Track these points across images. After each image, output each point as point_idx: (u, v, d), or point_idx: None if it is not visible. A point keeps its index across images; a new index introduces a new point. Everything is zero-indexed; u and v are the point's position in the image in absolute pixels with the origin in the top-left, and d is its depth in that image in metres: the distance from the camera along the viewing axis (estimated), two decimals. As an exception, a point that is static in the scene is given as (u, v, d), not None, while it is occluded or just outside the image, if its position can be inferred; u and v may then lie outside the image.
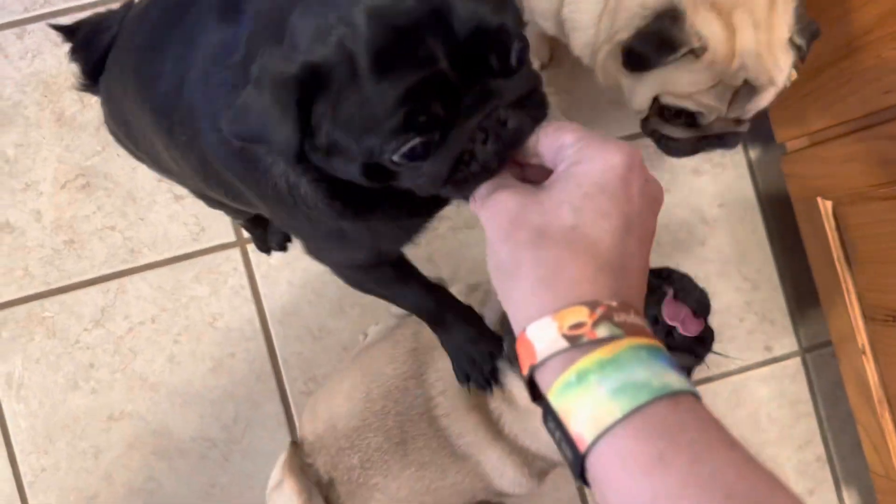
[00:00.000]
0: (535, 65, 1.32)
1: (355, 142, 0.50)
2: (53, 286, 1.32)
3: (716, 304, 1.29)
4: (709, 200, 1.40)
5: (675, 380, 0.40)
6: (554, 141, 0.49)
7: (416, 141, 0.49)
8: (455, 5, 0.48)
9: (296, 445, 1.05)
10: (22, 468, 1.31)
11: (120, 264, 1.33)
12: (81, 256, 1.33)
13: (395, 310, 1.16)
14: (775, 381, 1.41)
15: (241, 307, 1.34)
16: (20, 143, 1.33)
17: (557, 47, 1.34)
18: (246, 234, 1.33)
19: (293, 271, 1.34)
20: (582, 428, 0.40)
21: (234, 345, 1.34)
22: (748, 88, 0.85)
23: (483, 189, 0.50)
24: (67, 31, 0.92)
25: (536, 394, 0.44)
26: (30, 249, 1.32)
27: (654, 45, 0.82)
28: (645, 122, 0.97)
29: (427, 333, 0.93)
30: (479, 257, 1.37)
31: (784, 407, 1.42)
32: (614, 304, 0.42)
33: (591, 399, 0.40)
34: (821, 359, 1.41)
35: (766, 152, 1.39)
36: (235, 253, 1.34)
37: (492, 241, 0.47)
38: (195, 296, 1.34)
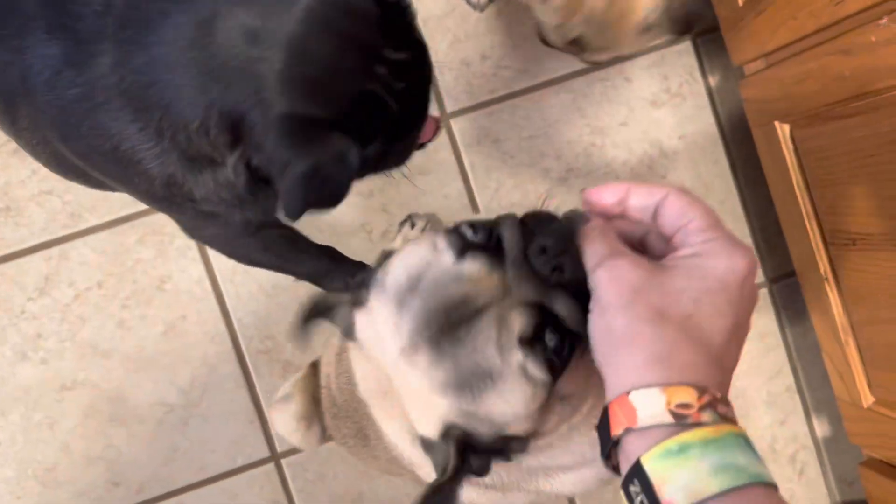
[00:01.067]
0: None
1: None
2: (-8, 255, 1.28)
3: None
4: (668, 133, 1.36)
5: (766, 473, 0.44)
6: (680, 214, 0.51)
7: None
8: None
9: (315, 367, 0.96)
10: (-24, 443, 1.28)
11: (61, 230, 1.28)
12: (19, 224, 1.28)
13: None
14: (742, 315, 1.39)
15: (188, 268, 1.30)
16: (-57, 109, 1.26)
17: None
18: (189, 192, 1.28)
19: (241, 228, 1.30)
20: (676, 496, 0.42)
21: (185, 307, 1.30)
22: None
23: (600, 248, 0.52)
24: None
25: (609, 452, 0.48)
26: (-36, 219, 1.27)
27: None
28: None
29: None
30: (435, 204, 1.33)
31: (753, 340, 1.39)
32: (718, 395, 0.46)
33: (690, 471, 0.43)
34: (787, 289, 1.38)
35: (726, 80, 1.34)
36: (179, 212, 1.29)
37: (608, 306, 0.49)
38: (141, 258, 1.29)
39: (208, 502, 1.31)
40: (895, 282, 0.98)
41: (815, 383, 1.39)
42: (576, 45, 1.02)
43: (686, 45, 1.35)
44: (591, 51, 1.02)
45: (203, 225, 0.80)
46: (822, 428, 1.42)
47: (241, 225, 0.78)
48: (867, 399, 1.14)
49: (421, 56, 0.72)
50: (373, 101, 0.65)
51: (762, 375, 1.40)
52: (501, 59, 1.32)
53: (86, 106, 0.65)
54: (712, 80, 1.36)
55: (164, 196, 0.72)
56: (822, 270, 1.14)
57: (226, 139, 0.64)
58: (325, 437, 0.94)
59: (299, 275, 0.94)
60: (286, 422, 0.93)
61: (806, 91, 1.01)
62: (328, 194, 0.64)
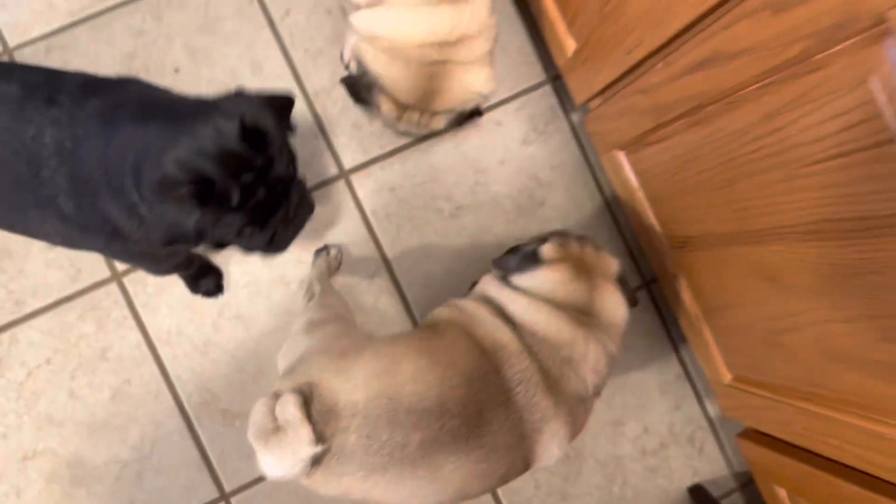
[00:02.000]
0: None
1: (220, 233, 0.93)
2: (-53, 348, 1.41)
3: None
4: (542, 165, 1.54)
5: None
6: None
7: (250, 228, 0.94)
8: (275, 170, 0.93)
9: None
10: (-52, 520, 1.40)
11: (8, 315, 1.42)
12: (-31, 316, 1.41)
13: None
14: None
15: (127, 336, 1.44)
16: None
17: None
18: (120, 268, 1.43)
19: (170, 295, 1.45)
20: None
21: (128, 371, 1.44)
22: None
23: None
24: None
25: None
26: (-82, 318, 1.41)
27: (351, 93, 1.24)
28: None
29: (480, 334, 1.06)
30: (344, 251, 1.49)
31: (640, 336, 1.57)
32: None
33: None
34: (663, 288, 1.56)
35: (583, 116, 1.53)
36: (113, 287, 1.44)
37: None
38: (83, 333, 1.43)
39: (168, 546, 1.44)
40: (717, 275, 1.16)
41: (701, 369, 1.57)
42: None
43: (546, 88, 1.55)
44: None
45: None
46: (713, 408, 1.59)
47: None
48: (727, 376, 1.32)
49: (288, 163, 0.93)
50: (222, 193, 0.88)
51: (653, 367, 1.57)
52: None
53: None
54: (574, 117, 1.55)
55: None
56: (671, 270, 1.32)
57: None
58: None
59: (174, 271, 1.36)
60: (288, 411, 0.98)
61: (626, 124, 1.20)
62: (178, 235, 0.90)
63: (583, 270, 1.09)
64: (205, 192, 0.87)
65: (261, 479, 1.46)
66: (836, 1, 0.68)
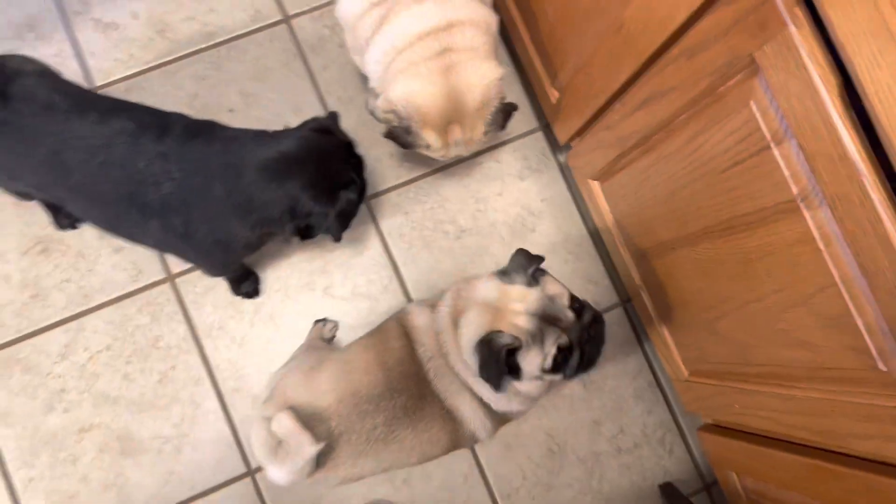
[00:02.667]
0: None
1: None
2: (25, 332, 1.67)
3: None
4: (533, 198, 1.81)
5: None
6: None
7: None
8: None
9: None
10: (14, 480, 1.63)
11: (77, 308, 1.68)
12: (45, 306, 1.68)
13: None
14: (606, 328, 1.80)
15: (176, 329, 1.69)
16: (-12, 225, 1.69)
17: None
18: (174, 270, 1.70)
19: (215, 295, 1.71)
20: None
21: (175, 359, 1.69)
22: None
23: None
24: None
25: None
26: (3, 306, 1.67)
27: (398, 143, 1.40)
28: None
29: (406, 321, 1.31)
30: (363, 263, 1.75)
31: (615, 346, 1.80)
32: None
33: None
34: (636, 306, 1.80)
35: (567, 155, 1.81)
36: (167, 287, 1.70)
37: None
38: (139, 324, 1.69)
39: (199, 514, 1.65)
40: (669, 278, 1.41)
41: (670, 377, 1.79)
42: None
43: (539, 134, 1.83)
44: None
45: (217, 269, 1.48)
46: (682, 415, 1.80)
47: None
48: (685, 372, 1.54)
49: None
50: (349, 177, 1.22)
51: (627, 375, 1.80)
52: (403, 155, 1.79)
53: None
54: (561, 158, 1.83)
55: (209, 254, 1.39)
56: (636, 282, 1.57)
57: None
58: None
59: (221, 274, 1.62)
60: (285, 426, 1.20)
61: (597, 157, 1.48)
62: (350, 217, 1.24)
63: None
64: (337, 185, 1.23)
65: (282, 457, 1.68)
66: (724, 46, 0.96)
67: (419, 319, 1.29)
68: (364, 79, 1.78)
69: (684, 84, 1.07)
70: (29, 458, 1.63)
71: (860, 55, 0.76)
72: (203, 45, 1.78)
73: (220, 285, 1.71)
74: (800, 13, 0.82)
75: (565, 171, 1.83)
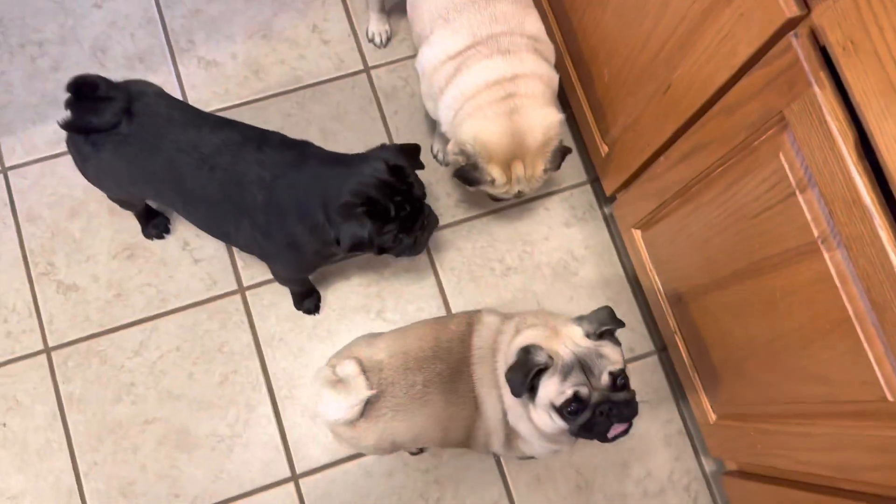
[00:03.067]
0: (447, 158, 1.92)
1: (381, 239, 1.35)
2: (106, 328, 1.83)
3: None
4: (578, 244, 1.95)
5: None
6: None
7: (402, 235, 1.39)
8: (414, 191, 1.36)
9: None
10: (79, 463, 1.77)
11: (154, 310, 1.85)
12: (126, 305, 1.85)
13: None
14: (639, 373, 1.89)
15: (241, 336, 1.84)
16: (85, 228, 1.89)
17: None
18: (245, 283, 1.86)
19: (279, 309, 1.86)
20: None
21: (236, 364, 1.83)
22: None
23: None
24: (76, 86, 1.33)
25: None
26: (89, 302, 1.85)
27: (465, 180, 1.53)
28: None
29: (476, 316, 1.44)
30: (416, 291, 1.89)
31: (648, 393, 1.89)
32: None
33: None
34: (671, 355, 1.89)
35: (613, 207, 1.95)
36: (237, 297, 1.86)
37: None
38: (208, 330, 1.85)
39: (243, 511, 1.76)
40: (702, 322, 1.51)
41: (701, 430, 1.86)
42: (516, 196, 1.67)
43: (587, 187, 1.98)
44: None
45: (292, 275, 1.66)
46: (709, 464, 1.87)
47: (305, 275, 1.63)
48: (712, 417, 1.63)
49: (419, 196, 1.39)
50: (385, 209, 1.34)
51: (658, 421, 1.88)
52: (460, 196, 1.95)
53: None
54: (606, 210, 1.97)
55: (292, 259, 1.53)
56: (672, 326, 1.67)
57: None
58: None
59: (297, 287, 1.79)
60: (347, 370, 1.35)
61: (640, 207, 1.61)
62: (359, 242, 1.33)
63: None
64: (372, 210, 1.32)
65: (326, 466, 1.79)
66: (758, 103, 1.09)
67: (489, 318, 1.41)
68: (429, 124, 1.96)
69: (722, 138, 1.21)
70: (95, 443, 1.78)
71: (871, 110, 0.89)
72: (291, 87, 1.99)
73: (285, 300, 1.86)
74: (823, 75, 0.96)
75: (609, 222, 1.96)
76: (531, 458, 1.55)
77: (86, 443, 1.78)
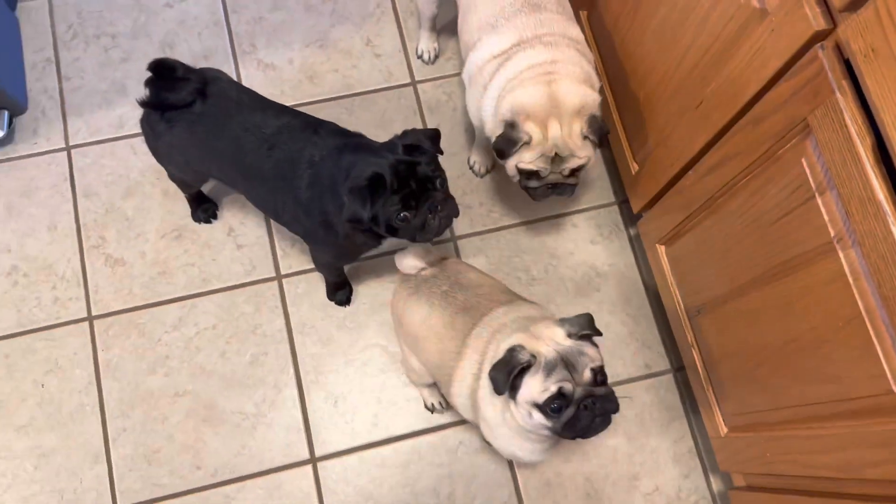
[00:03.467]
0: (482, 169, 2.02)
1: (385, 215, 1.36)
2: (148, 302, 1.93)
3: (609, 334, 1.91)
4: (602, 261, 2.03)
5: None
6: None
7: (405, 213, 1.34)
8: (419, 168, 1.36)
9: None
10: (109, 428, 1.84)
11: (195, 289, 1.94)
12: (169, 283, 1.95)
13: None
14: (654, 391, 1.95)
15: (274, 321, 1.93)
16: (138, 208, 2.00)
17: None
18: (283, 271, 1.96)
19: (312, 298, 1.95)
20: None
21: (268, 346, 1.91)
22: (559, 157, 1.53)
23: None
24: (156, 67, 1.47)
25: None
26: (135, 277, 1.95)
27: (503, 147, 1.55)
28: (519, 182, 1.64)
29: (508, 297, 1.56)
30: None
31: (662, 410, 1.94)
32: None
33: None
34: (688, 376, 1.95)
35: (638, 230, 2.03)
36: (274, 284, 1.95)
37: None
38: (244, 312, 1.93)
39: (260, 488, 1.82)
40: (718, 332, 1.58)
41: (710, 447, 1.91)
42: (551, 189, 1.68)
43: (614, 207, 2.07)
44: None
45: (329, 257, 1.73)
46: (717, 483, 1.90)
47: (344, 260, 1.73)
48: (724, 429, 1.67)
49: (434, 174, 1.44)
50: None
51: (669, 438, 1.92)
52: (492, 206, 2.05)
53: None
54: (632, 231, 2.05)
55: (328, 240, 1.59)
56: (689, 340, 1.73)
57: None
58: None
59: (334, 278, 1.89)
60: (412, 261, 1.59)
61: (666, 221, 1.69)
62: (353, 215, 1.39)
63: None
64: (374, 185, 1.38)
65: (344, 452, 1.85)
66: (784, 113, 1.19)
67: (498, 312, 1.50)
68: (468, 137, 2.07)
69: (749, 149, 1.30)
70: (126, 410, 1.85)
71: (888, 114, 0.98)
72: (342, 94, 2.12)
73: (319, 290, 1.95)
74: (845, 84, 1.05)
75: (633, 243, 2.04)
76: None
77: (117, 409, 1.85)
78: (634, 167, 1.83)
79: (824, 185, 1.14)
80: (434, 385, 1.76)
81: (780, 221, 1.26)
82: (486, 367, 1.38)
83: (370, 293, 1.96)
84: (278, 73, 2.13)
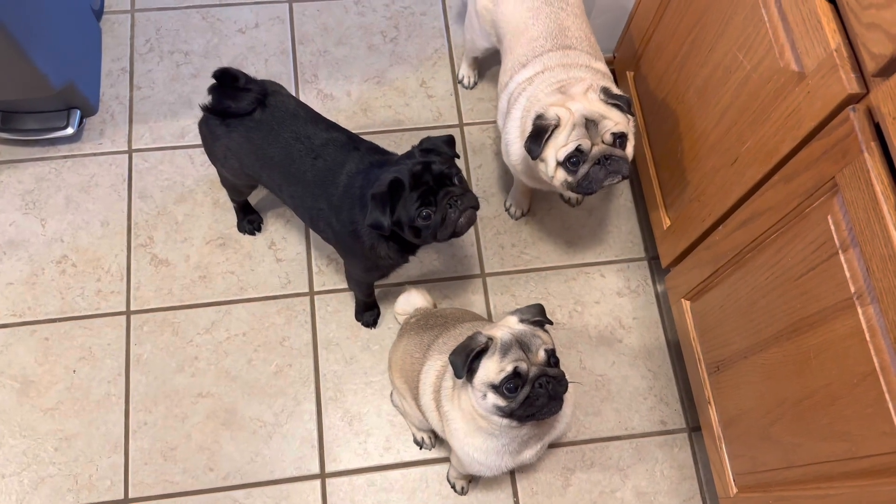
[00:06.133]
0: (518, 212, 2.09)
1: (407, 215, 1.40)
2: (185, 303, 2.01)
3: (627, 386, 1.94)
4: (627, 313, 2.06)
5: None
6: None
7: (426, 209, 1.41)
8: (433, 166, 1.41)
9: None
10: (131, 420, 1.89)
11: (232, 296, 2.02)
12: (208, 287, 2.02)
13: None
14: (668, 448, 1.95)
15: (302, 335, 1.99)
16: (188, 214, 2.10)
17: (534, 200, 2.11)
18: (316, 288, 2.02)
19: (341, 316, 2.01)
20: None
21: (293, 359, 1.96)
22: (591, 122, 1.54)
23: None
24: (221, 76, 1.57)
25: None
26: (176, 278, 2.03)
27: (533, 141, 1.56)
28: (563, 184, 1.61)
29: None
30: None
31: (674, 468, 1.93)
32: None
33: None
34: (702, 437, 1.95)
35: (665, 287, 2.06)
36: (307, 299, 2.02)
37: None
38: (274, 323, 2.00)
39: (268, 496, 1.84)
40: (736, 388, 1.59)
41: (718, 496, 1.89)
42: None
43: (643, 263, 2.11)
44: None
45: (361, 271, 1.80)
46: (722, 550, 1.87)
47: (375, 276, 1.86)
48: (734, 489, 1.67)
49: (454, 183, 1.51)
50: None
51: (679, 497, 1.91)
52: (524, 248, 2.10)
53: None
54: (659, 287, 2.09)
55: (358, 251, 1.66)
56: (706, 396, 1.75)
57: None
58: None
59: (365, 297, 1.95)
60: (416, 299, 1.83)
61: (693, 276, 1.73)
62: (374, 221, 1.47)
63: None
64: (396, 191, 1.45)
65: (354, 471, 1.87)
66: (815, 171, 1.24)
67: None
68: (505, 182, 2.15)
69: (779, 205, 1.35)
70: (150, 404, 1.91)
71: (913, 173, 1.02)
72: (392, 128, 2.23)
73: (348, 310, 2.01)
74: (874, 145, 1.10)
75: (660, 299, 2.07)
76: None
77: (141, 403, 1.91)
78: (666, 222, 1.88)
79: (848, 242, 1.18)
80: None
81: (803, 277, 1.30)
82: (449, 367, 1.45)
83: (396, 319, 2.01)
84: (335, 104, 2.24)
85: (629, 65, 2.04)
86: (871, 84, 1.12)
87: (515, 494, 1.88)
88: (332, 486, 1.86)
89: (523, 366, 1.30)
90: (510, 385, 1.30)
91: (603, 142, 1.54)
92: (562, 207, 2.16)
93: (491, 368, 1.32)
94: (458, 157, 1.55)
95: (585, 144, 1.53)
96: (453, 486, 1.86)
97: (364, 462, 1.89)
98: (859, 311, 1.16)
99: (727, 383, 1.64)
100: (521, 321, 1.38)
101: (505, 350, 1.32)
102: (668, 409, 1.98)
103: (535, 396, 1.30)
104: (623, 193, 2.20)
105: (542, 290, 2.07)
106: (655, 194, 1.92)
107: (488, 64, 2.29)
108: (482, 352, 1.33)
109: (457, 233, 1.51)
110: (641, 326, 2.05)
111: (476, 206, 1.51)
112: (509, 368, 1.30)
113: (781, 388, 1.41)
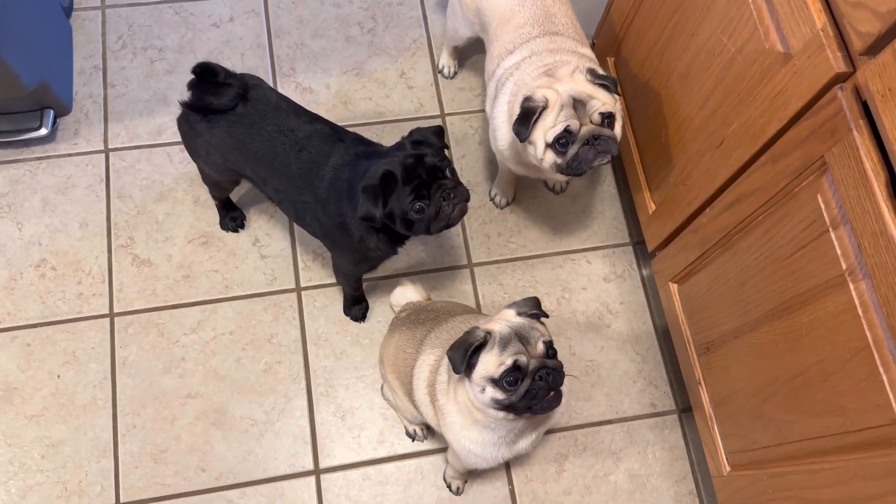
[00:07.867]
0: (503, 201, 2.09)
1: (400, 208, 1.40)
2: (170, 303, 1.98)
3: (616, 371, 1.95)
4: (614, 299, 2.07)
5: None
6: None
7: (419, 203, 1.41)
8: (426, 159, 1.42)
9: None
10: (119, 423, 1.86)
11: (217, 294, 1.99)
12: (192, 286, 2.00)
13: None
14: (658, 430, 1.97)
15: (290, 331, 1.97)
16: (169, 212, 2.06)
17: (518, 188, 2.11)
18: (303, 284, 2.01)
19: (329, 312, 1.99)
20: None
21: (282, 356, 1.95)
22: (579, 102, 1.54)
23: None
24: (200, 71, 1.54)
25: None
26: (159, 278, 2.00)
27: (521, 124, 1.56)
28: (552, 166, 1.61)
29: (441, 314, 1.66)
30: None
31: (665, 450, 1.95)
32: None
33: None
34: (692, 417, 1.97)
35: (651, 271, 2.08)
36: (293, 295, 2.00)
37: None
38: (261, 320, 1.97)
39: (262, 495, 1.83)
40: (726, 369, 1.61)
41: (711, 490, 1.91)
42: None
43: (629, 248, 2.13)
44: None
45: (349, 263, 1.77)
46: (715, 529, 1.90)
47: (365, 268, 1.81)
48: (726, 468, 1.69)
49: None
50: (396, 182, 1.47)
51: (671, 478, 1.93)
52: (510, 237, 2.11)
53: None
54: (645, 271, 2.10)
55: (347, 245, 1.65)
56: (697, 377, 1.77)
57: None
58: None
59: (352, 290, 1.93)
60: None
61: (680, 259, 1.75)
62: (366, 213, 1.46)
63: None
64: (388, 183, 1.45)
65: (348, 466, 1.86)
66: (802, 151, 1.25)
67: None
68: (491, 170, 2.14)
69: (767, 186, 1.36)
70: (138, 407, 1.88)
71: (902, 150, 1.04)
72: (373, 120, 2.21)
73: (335, 305, 2.00)
74: (862, 123, 1.12)
75: (646, 283, 2.09)
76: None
77: (129, 406, 1.88)
78: (651, 207, 1.89)
79: (838, 219, 1.19)
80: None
81: (793, 256, 1.31)
82: (444, 361, 1.46)
83: (386, 312, 2.00)
84: (315, 97, 2.22)
85: (610, 50, 2.05)
86: (857, 63, 1.13)
87: (510, 482, 1.88)
88: (327, 482, 1.85)
89: (523, 359, 1.30)
90: (510, 378, 1.30)
91: (591, 122, 1.54)
92: (546, 195, 2.17)
93: (490, 362, 1.31)
94: (448, 147, 1.55)
95: (574, 125, 1.53)
96: (449, 486, 1.86)
97: (358, 456, 1.88)
98: (851, 287, 1.18)
99: (717, 364, 1.66)
100: (519, 314, 1.38)
101: (504, 344, 1.31)
102: (658, 391, 2.00)
103: (535, 389, 1.30)
104: (607, 179, 2.21)
105: (530, 278, 2.07)
106: (640, 179, 1.93)
107: (468, 53, 2.29)
108: (480, 346, 1.33)
109: (449, 225, 1.51)
110: (628, 311, 2.06)
111: (467, 199, 1.51)
112: (509, 362, 1.29)
113: (773, 366, 1.43)
